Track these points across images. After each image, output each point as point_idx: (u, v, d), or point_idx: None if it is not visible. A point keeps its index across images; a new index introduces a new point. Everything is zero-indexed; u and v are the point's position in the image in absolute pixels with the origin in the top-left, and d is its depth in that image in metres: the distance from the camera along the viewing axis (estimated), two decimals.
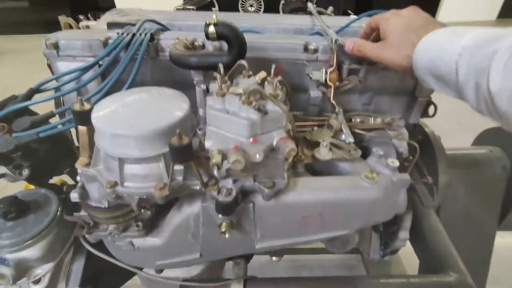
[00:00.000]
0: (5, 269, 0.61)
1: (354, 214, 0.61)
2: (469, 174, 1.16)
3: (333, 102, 0.72)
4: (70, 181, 0.88)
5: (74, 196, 0.57)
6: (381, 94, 0.81)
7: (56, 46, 0.71)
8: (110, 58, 0.67)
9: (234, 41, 0.59)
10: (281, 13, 3.45)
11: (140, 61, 0.68)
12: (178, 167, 0.51)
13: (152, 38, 0.71)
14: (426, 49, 0.53)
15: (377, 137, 0.76)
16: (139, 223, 0.64)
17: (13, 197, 0.61)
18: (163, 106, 0.53)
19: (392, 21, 0.61)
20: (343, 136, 0.71)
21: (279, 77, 0.52)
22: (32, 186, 0.74)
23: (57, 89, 0.71)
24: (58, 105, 0.78)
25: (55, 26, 0.87)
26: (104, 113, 0.51)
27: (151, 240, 0.65)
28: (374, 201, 0.59)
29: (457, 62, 0.47)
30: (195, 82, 0.76)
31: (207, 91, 0.61)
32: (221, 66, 0.55)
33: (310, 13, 0.98)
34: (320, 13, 1.02)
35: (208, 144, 0.49)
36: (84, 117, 0.54)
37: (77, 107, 0.54)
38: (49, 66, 0.76)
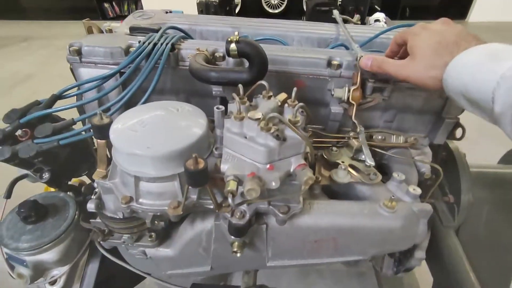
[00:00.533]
0: (24, 269, 0.63)
1: (369, 242, 0.59)
2: (494, 194, 1.10)
3: (355, 121, 0.69)
4: (88, 181, 0.90)
5: (91, 206, 0.58)
6: (405, 113, 0.78)
7: (79, 52, 0.72)
8: (131, 69, 0.67)
9: (256, 59, 0.57)
10: (304, 7, 3.37)
11: (160, 71, 0.68)
12: (186, 189, 0.50)
13: (173, 48, 0.71)
14: (459, 71, 0.49)
15: (398, 156, 0.73)
16: (152, 234, 0.65)
17: (33, 202, 0.63)
18: (181, 125, 0.53)
19: (421, 36, 0.55)
20: (363, 157, 0.69)
21: (301, 104, 0.51)
22: (51, 188, 0.76)
23: (78, 96, 0.73)
24: (81, 111, 0.80)
25: (82, 13, 0.88)
26: (122, 130, 0.51)
27: (163, 251, 0.66)
28: (391, 231, 0.56)
29: (494, 92, 0.43)
30: (213, 93, 0.75)
31: (224, 101, 0.60)
32: (240, 87, 0.54)
33: (335, 20, 0.95)
34: (345, 21, 0.98)
35: (224, 167, 0.49)
36: (102, 131, 0.54)
37: (96, 121, 0.54)
38: (72, 71, 0.78)
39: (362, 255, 0.61)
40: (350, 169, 0.63)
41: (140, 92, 0.68)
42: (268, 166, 0.48)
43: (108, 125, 0.54)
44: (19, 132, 0.65)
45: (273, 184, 0.47)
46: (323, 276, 1.95)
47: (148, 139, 0.50)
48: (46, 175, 0.69)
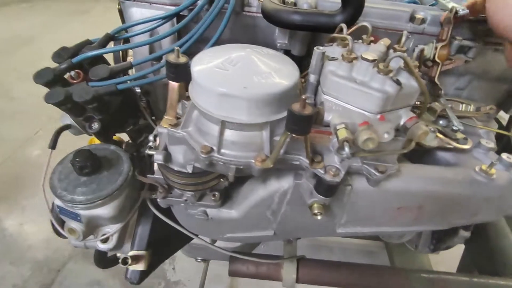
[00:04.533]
0: (77, 224, 0.58)
1: (458, 211, 0.55)
2: None
3: (438, 82, 0.63)
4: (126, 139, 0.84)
5: (159, 157, 0.52)
6: (481, 80, 0.72)
7: None
8: (194, 12, 0.60)
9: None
10: None
11: (228, 17, 0.61)
12: (284, 139, 0.45)
13: None
14: None
15: (479, 125, 0.68)
16: (216, 193, 0.60)
17: (88, 151, 0.57)
18: (275, 67, 0.46)
19: None
20: (441, 122, 0.63)
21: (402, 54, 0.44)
22: (96, 141, 0.70)
23: (126, 40, 0.65)
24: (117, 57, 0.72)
25: None
26: (209, 69, 0.45)
27: (226, 212, 0.61)
28: (488, 200, 0.52)
29: None
30: (278, 45, 0.68)
31: (287, 54, 0.52)
32: (344, 27, 0.47)
33: None
34: None
35: (328, 116, 0.43)
36: (178, 71, 0.48)
37: (172, 58, 0.47)
38: (120, 12, 0.69)
39: (443, 225, 0.57)
40: (438, 134, 0.58)
41: (196, 43, 0.61)
42: (378, 116, 0.42)
43: (185, 64, 0.47)
44: (71, 73, 0.58)
45: (386, 136, 0.42)
46: (333, 252, 1.96)
47: (242, 78, 0.43)
48: (95, 125, 0.63)
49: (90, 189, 0.56)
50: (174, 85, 0.50)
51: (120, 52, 0.79)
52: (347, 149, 0.39)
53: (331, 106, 0.44)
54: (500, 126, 0.85)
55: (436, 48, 0.62)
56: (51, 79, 0.56)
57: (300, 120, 0.40)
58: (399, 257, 1.59)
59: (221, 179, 0.58)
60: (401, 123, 0.44)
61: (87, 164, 0.56)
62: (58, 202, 0.58)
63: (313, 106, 0.39)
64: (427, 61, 0.63)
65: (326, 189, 0.48)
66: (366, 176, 0.50)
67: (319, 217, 0.52)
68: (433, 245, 0.93)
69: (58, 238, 0.65)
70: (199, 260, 1.21)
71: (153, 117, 0.82)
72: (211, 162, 0.48)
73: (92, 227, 0.60)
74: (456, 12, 0.58)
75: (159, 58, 0.66)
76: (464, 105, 0.74)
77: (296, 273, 0.83)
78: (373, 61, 0.41)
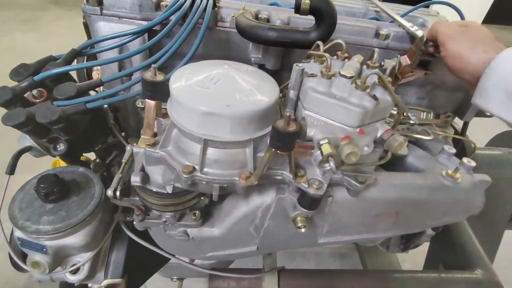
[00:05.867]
0: (42, 257, 0.53)
1: (431, 214, 0.58)
2: (489, 174, 1.19)
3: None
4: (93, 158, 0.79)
5: (136, 179, 0.50)
6: (439, 89, 0.78)
7: (99, 2, 0.60)
8: (172, 23, 0.58)
9: (327, 16, 0.52)
10: None
11: (203, 32, 0.60)
12: (269, 155, 0.45)
13: (214, 4, 0.63)
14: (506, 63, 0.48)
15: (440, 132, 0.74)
16: (196, 212, 0.58)
17: (54, 176, 0.52)
18: (256, 84, 0.46)
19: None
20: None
21: (376, 70, 0.47)
22: (63, 164, 0.65)
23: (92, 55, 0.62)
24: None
25: None
26: (189, 87, 0.44)
27: (207, 230, 0.59)
28: (456, 202, 0.56)
29: None
30: (252, 59, 0.69)
31: (261, 68, 0.53)
32: (321, 44, 0.49)
33: None
34: None
35: (311, 132, 0.44)
36: (155, 89, 0.46)
37: (148, 76, 0.45)
38: (86, 25, 0.66)
39: (419, 228, 0.60)
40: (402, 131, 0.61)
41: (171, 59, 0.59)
42: (358, 130, 0.44)
43: (162, 82, 0.46)
44: (33, 92, 0.53)
45: (366, 149, 0.43)
46: (307, 258, 1.99)
47: (224, 96, 0.43)
48: (61, 147, 0.58)
49: (58, 217, 0.51)
50: (151, 103, 0.48)
51: (84, 69, 0.75)
52: (332, 163, 0.40)
53: (313, 122, 0.45)
54: (455, 132, 0.92)
55: (400, 62, 0.66)
56: (9, 99, 0.51)
57: (285, 136, 0.40)
58: (370, 258, 1.66)
59: (201, 198, 0.57)
60: (378, 135, 0.46)
61: (54, 190, 0.51)
62: (19, 233, 0.52)
63: (296, 123, 0.40)
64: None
65: (310, 202, 0.49)
66: (347, 187, 0.51)
67: (303, 230, 0.52)
68: (403, 245, 0.98)
69: (9, 267, 0.58)
70: (174, 280, 1.16)
71: (123, 133, 0.78)
72: (193, 181, 0.47)
73: (60, 258, 0.55)
74: (427, 42, 0.62)
75: (130, 75, 0.64)
76: (425, 113, 0.80)
77: (278, 285, 0.82)
78: (351, 77, 0.43)
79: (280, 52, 0.68)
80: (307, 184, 0.47)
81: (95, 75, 0.81)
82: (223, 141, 0.43)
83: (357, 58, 0.50)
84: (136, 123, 0.76)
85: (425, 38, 0.60)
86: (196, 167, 0.46)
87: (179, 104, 0.43)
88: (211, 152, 0.45)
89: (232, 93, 0.44)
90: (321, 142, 0.42)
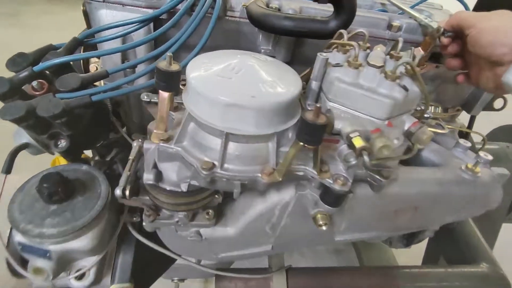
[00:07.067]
0: (45, 262, 0.49)
1: (449, 209, 0.57)
2: None
3: None
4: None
5: (149, 177, 0.46)
6: (449, 83, 0.78)
7: None
8: (181, 12, 0.55)
9: (347, 4, 0.50)
10: None
11: (215, 21, 0.57)
12: (296, 150, 0.42)
13: None
14: None
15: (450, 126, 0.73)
16: (210, 211, 0.55)
17: (58, 174, 0.48)
18: (279, 74, 0.44)
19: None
20: None
21: (407, 59, 0.45)
22: (63, 162, 0.60)
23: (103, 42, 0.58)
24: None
25: None
26: (209, 77, 0.41)
27: (221, 230, 0.56)
28: (475, 196, 0.55)
29: None
30: (262, 51, 0.66)
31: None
32: (344, 32, 0.47)
33: None
34: None
35: (338, 124, 0.41)
36: (170, 80, 0.43)
37: (163, 65, 0.42)
38: (86, 14, 0.61)
39: (437, 224, 0.59)
40: None
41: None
42: (386, 122, 0.42)
43: (178, 73, 0.42)
44: (33, 84, 0.49)
45: (396, 142, 0.41)
46: (304, 255, 1.99)
47: (248, 87, 0.40)
48: (63, 143, 0.54)
49: (63, 219, 0.48)
50: (164, 95, 0.44)
51: (81, 60, 0.71)
52: (366, 157, 0.38)
53: (339, 114, 0.43)
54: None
55: (414, 55, 0.65)
56: (7, 91, 0.47)
57: (315, 129, 0.38)
58: (366, 253, 1.66)
59: (216, 195, 0.54)
60: (405, 128, 0.44)
61: (58, 189, 0.48)
62: (19, 237, 0.48)
63: (326, 115, 0.37)
64: None
65: (334, 199, 0.47)
66: (370, 182, 0.49)
67: (324, 228, 0.50)
68: (406, 240, 0.98)
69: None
70: (175, 280, 1.13)
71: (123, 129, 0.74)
72: (213, 179, 0.44)
73: (64, 263, 0.51)
74: (443, 33, 0.60)
75: (134, 67, 0.60)
76: (433, 107, 0.79)
77: (286, 285, 0.80)
78: (380, 67, 0.41)
79: (291, 44, 0.65)
80: (332, 180, 0.45)
81: (93, 68, 0.77)
82: (248, 135, 0.41)
83: (380, 48, 0.48)
84: (139, 118, 0.72)
85: (442, 29, 0.59)
86: (216, 163, 0.43)
87: (199, 96, 0.40)
88: (232, 146, 0.43)
89: (256, 83, 0.41)
90: (352, 135, 0.39)
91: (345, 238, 0.59)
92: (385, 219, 0.57)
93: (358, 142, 0.38)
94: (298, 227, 0.56)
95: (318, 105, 0.37)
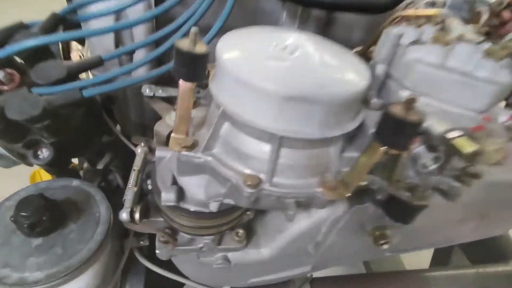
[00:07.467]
0: None
1: None
2: None
3: None
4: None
5: (169, 198, 0.35)
6: None
7: None
8: None
9: None
10: None
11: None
12: (377, 156, 0.31)
13: None
14: None
15: None
16: (240, 231, 0.44)
17: (39, 197, 0.36)
18: (342, 59, 0.33)
19: None
20: None
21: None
22: (45, 175, 0.47)
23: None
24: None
25: None
26: (254, 59, 0.29)
27: (253, 253, 0.46)
28: None
29: None
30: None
31: None
32: (421, 2, 0.36)
33: None
34: None
35: (428, 122, 0.31)
36: (194, 65, 0.31)
37: (185, 45, 0.30)
38: None
39: (501, 231, 0.51)
40: None
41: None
42: (483, 116, 0.32)
43: (205, 56, 0.31)
44: None
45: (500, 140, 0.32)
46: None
47: (310, 74, 0.29)
48: (45, 153, 0.41)
49: (51, 257, 0.35)
50: (186, 86, 0.32)
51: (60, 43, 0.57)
52: (478, 165, 0.28)
53: (421, 107, 0.33)
54: None
55: None
56: None
57: (404, 128, 0.27)
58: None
59: (248, 212, 0.43)
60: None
61: (42, 218, 0.35)
62: None
63: (419, 110, 0.27)
64: None
65: (408, 214, 0.37)
66: (444, 191, 0.40)
67: (385, 247, 0.41)
68: None
69: None
70: None
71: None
72: (257, 197, 0.33)
73: None
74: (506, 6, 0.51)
75: (132, 53, 0.48)
76: None
77: None
78: (480, 43, 0.31)
79: (321, 22, 0.55)
80: (409, 191, 0.35)
81: (75, 56, 0.63)
82: (309, 138, 0.30)
83: (457, 21, 0.38)
84: (138, 117, 0.60)
85: (506, 1, 0.50)
86: (263, 176, 0.32)
87: (242, 85, 0.29)
88: (284, 154, 0.32)
89: (319, 69, 0.30)
90: (451, 135, 0.29)
91: (395, 251, 0.50)
92: (445, 229, 0.49)
93: (466, 145, 0.28)
94: (347, 245, 0.46)
95: (410, 95, 0.26)
